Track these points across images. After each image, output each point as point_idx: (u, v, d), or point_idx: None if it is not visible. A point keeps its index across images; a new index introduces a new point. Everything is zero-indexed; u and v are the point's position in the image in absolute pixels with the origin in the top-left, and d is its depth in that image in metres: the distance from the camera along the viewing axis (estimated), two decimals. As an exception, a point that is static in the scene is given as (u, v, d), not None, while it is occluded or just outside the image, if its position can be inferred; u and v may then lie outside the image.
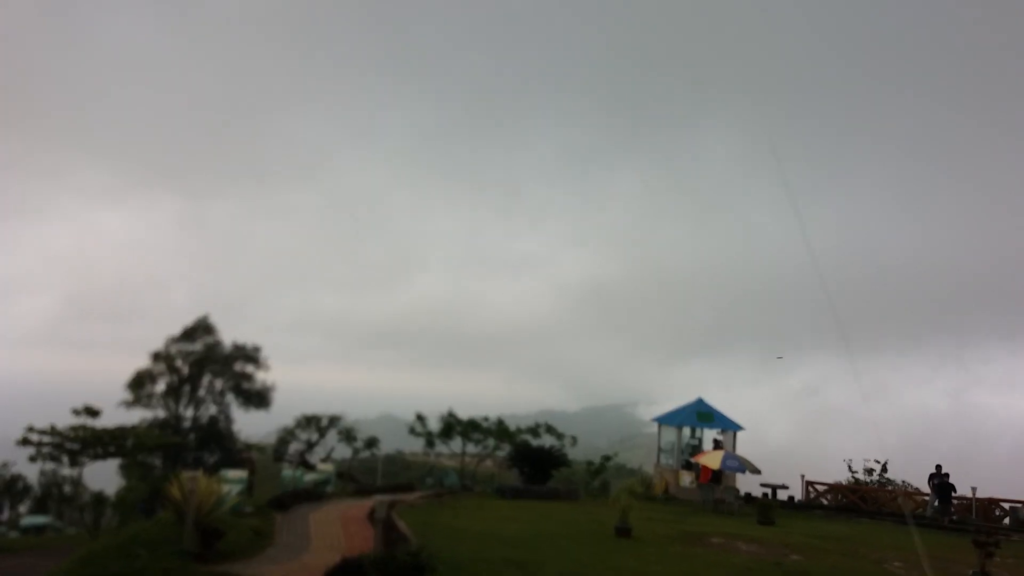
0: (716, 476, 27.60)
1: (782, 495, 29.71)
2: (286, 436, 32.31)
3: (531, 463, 29.58)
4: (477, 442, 32.50)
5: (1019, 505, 26.81)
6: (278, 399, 43.27)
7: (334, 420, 31.39)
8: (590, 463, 34.25)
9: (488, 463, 35.51)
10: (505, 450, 32.48)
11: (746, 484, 29.11)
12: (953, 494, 26.17)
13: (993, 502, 27.24)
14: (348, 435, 30.59)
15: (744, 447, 29.98)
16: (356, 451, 30.97)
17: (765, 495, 29.18)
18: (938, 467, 26.67)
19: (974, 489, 26.96)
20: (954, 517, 25.54)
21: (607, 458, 35.75)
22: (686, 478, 29.49)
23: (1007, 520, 26.59)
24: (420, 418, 32.45)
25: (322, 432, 31.51)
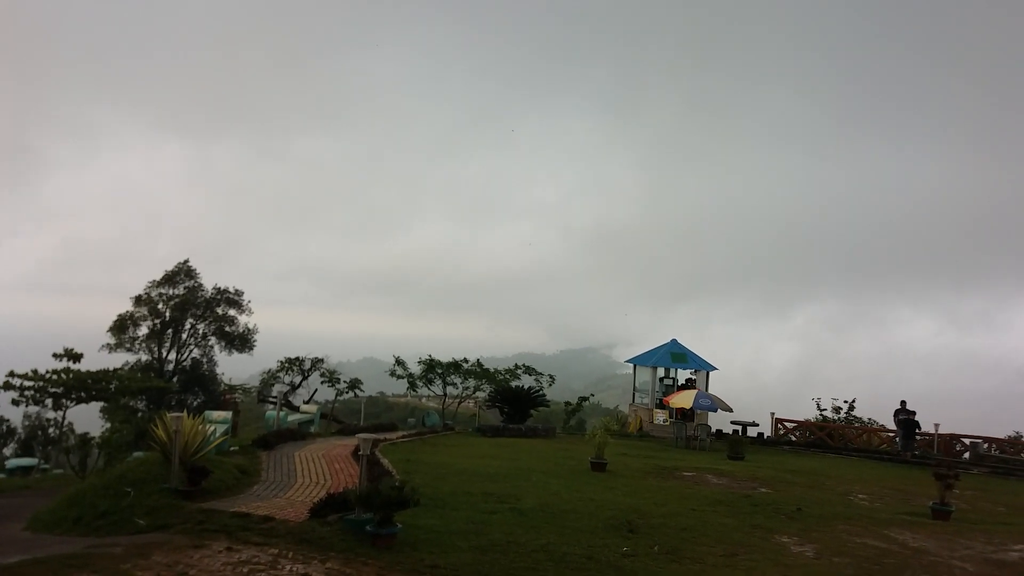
0: (688, 413, 28.42)
1: (752, 432, 30.71)
2: (269, 378, 32.62)
3: (510, 403, 30.19)
4: (458, 384, 33.02)
5: (978, 440, 27.97)
6: (263, 343, 43.56)
7: (317, 363, 31.70)
8: (567, 403, 34.97)
9: (469, 403, 36.12)
10: (486, 391, 33.04)
11: (718, 422, 30.02)
12: (917, 431, 27.18)
13: (954, 437, 28.37)
14: (331, 377, 30.90)
15: (732, 385, 30.82)
16: (339, 393, 31.34)
17: (735, 432, 30.14)
18: (903, 403, 27.60)
19: (936, 425, 28.04)
20: (916, 452, 26.57)
21: (584, 398, 36.51)
22: (660, 416, 30.31)
23: (967, 454, 27.76)
24: (400, 361, 32.87)
25: (305, 374, 31.83)
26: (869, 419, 31.74)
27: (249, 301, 43.48)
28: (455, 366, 32.78)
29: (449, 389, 33.13)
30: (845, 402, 32.74)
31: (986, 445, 27.56)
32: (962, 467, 23.83)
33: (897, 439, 27.51)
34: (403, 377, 32.73)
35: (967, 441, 28.13)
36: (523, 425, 28.05)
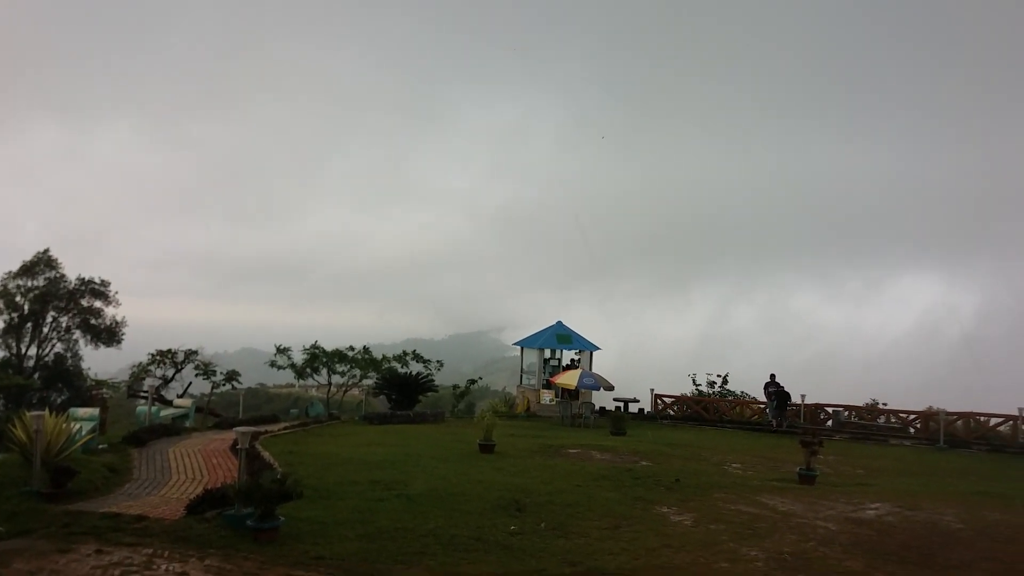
0: (574, 393, 29.08)
1: (633, 408, 31.76)
2: (139, 372, 30.91)
3: (398, 389, 29.95)
4: (343, 372, 32.42)
5: (840, 408, 29.99)
6: (136, 336, 41.14)
7: (191, 355, 30.26)
8: (456, 387, 35.01)
9: (355, 392, 35.53)
10: (373, 378, 32.59)
11: (602, 399, 30.88)
12: (788, 403, 28.87)
13: (819, 407, 30.30)
14: (206, 369, 29.60)
15: (625, 362, 31.75)
16: (215, 385, 30.07)
17: (618, 408, 31.10)
18: (772, 376, 29.22)
19: (803, 396, 29.85)
20: (785, 422, 28.24)
21: (472, 381, 36.62)
22: (546, 396, 30.86)
23: (830, 422, 29.73)
24: (281, 350, 31.91)
25: (178, 367, 30.33)
26: (742, 392, 33.37)
27: (116, 292, 40.99)
28: (340, 354, 32.14)
29: (335, 378, 32.48)
30: (719, 376, 34.26)
31: (847, 413, 29.57)
32: (825, 434, 25.56)
33: (767, 410, 29.13)
34: (285, 367, 31.82)
35: (830, 410, 30.11)
36: (411, 411, 27.91)
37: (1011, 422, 25.16)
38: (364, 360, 32.48)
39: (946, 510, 11.93)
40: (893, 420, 28.68)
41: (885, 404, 29.85)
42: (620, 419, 26.07)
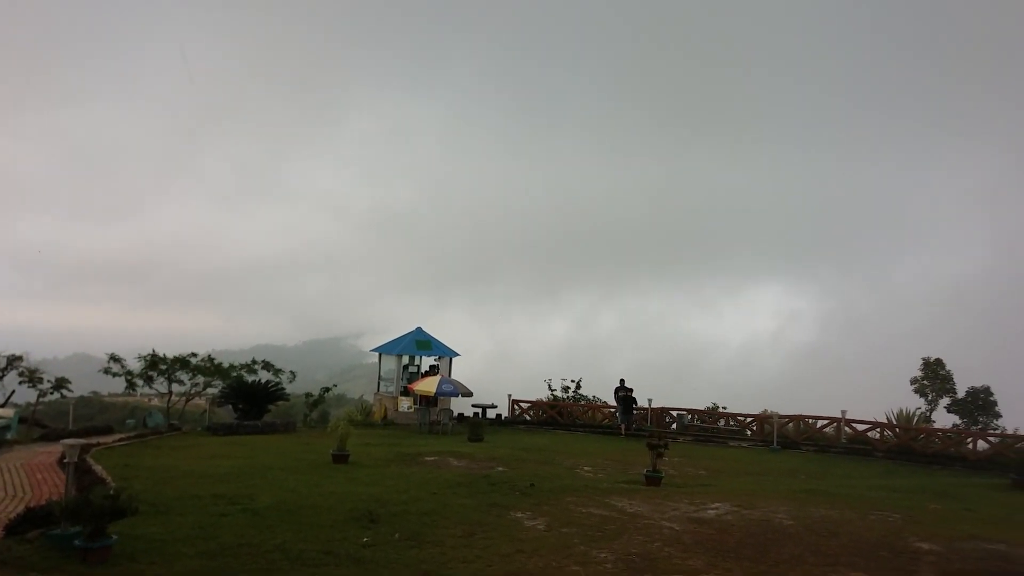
0: (432, 399, 28.92)
1: (491, 414, 32.01)
2: (-50, 382, 27.88)
3: (245, 398, 28.72)
4: (185, 380, 30.68)
5: (684, 412, 31.53)
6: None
7: (14, 360, 27.59)
8: (309, 395, 33.94)
9: (199, 401, 33.71)
10: (218, 387, 31.05)
11: (461, 405, 30.90)
12: (635, 406, 29.99)
13: (664, 410, 31.70)
14: (32, 376, 27.08)
15: (490, 367, 31.87)
16: (42, 394, 27.60)
17: (476, 414, 31.25)
18: (622, 381, 30.24)
19: (650, 400, 31.12)
20: (634, 425, 29.32)
21: (327, 389, 35.59)
22: (404, 403, 30.53)
23: (675, 425, 31.19)
24: (115, 358, 29.77)
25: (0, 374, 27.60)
26: (594, 396, 34.37)
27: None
28: (183, 361, 30.38)
29: (176, 387, 30.66)
30: (573, 381, 35.13)
31: (690, 416, 31.15)
32: (670, 436, 26.77)
33: (617, 414, 30.15)
34: (120, 375, 29.73)
35: (675, 413, 31.60)
36: (260, 421, 26.82)
37: (835, 424, 27.33)
38: (209, 368, 30.88)
39: (779, 508, 12.77)
40: (732, 423, 30.50)
41: (725, 408, 31.67)
42: (478, 425, 26.18)
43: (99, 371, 30.61)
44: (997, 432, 26.10)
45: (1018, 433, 24.98)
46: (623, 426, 28.94)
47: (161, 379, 30.30)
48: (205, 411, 33.57)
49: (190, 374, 30.62)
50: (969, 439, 25.28)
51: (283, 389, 30.62)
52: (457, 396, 28.18)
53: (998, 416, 27.98)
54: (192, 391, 31.43)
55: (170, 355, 30.45)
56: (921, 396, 29.46)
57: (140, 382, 30.02)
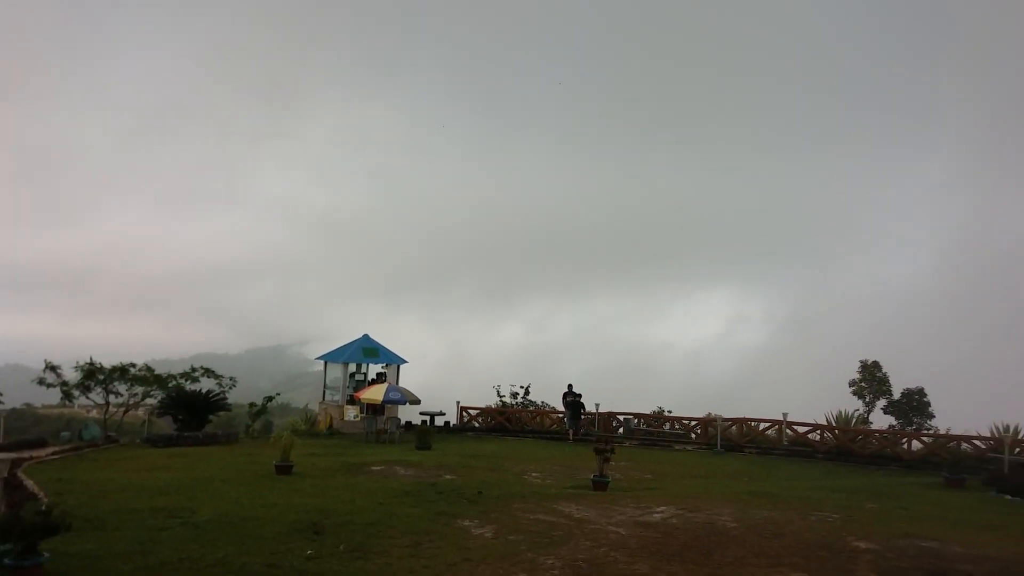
0: (379, 408, 28.66)
1: (440, 421, 31.86)
2: None
3: (185, 409, 28.06)
4: (123, 391, 29.76)
5: (630, 416, 31.85)
6: None
7: (-63, 374, 26.52)
8: (252, 404, 33.24)
9: (138, 412, 32.73)
10: (157, 397, 30.20)
11: (409, 413, 30.67)
12: (583, 411, 30.15)
13: (612, 415, 31.98)
14: (-43, 390, 26.02)
15: (440, 372, 31.56)
16: (-31, 408, 26.55)
17: (424, 422, 31.07)
18: (569, 386, 30.40)
19: (597, 405, 31.36)
20: (581, 430, 29.50)
21: (270, 398, 34.87)
22: (351, 412, 30.17)
23: (621, 430, 31.48)
24: (51, 367, 28.75)
25: (-78, 388, 26.43)
26: (543, 402, 34.44)
27: None
28: (121, 371, 29.47)
29: (114, 397, 29.74)
30: (522, 387, 35.15)
31: (636, 420, 31.48)
32: (617, 441, 27.05)
33: (565, 419, 30.29)
34: (55, 385, 28.71)
35: (621, 418, 31.89)
36: (201, 432, 26.25)
37: (777, 427, 27.93)
38: (148, 377, 30.02)
39: (723, 510, 12.99)
40: (678, 427, 30.92)
41: (671, 411, 32.09)
42: (426, 433, 26.03)
43: (33, 381, 29.48)
44: (930, 432, 26.98)
45: (950, 433, 25.85)
46: (571, 431, 29.08)
47: (98, 390, 29.35)
48: (144, 422, 32.59)
49: (128, 384, 29.72)
50: (904, 439, 26.10)
51: (225, 399, 29.98)
52: (405, 404, 27.97)
53: (931, 417, 28.88)
54: (131, 402, 30.49)
55: (108, 365, 29.54)
56: (859, 398, 30.26)
57: (77, 393, 29.04)
